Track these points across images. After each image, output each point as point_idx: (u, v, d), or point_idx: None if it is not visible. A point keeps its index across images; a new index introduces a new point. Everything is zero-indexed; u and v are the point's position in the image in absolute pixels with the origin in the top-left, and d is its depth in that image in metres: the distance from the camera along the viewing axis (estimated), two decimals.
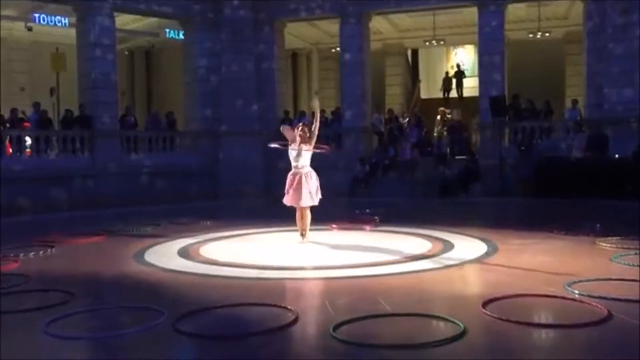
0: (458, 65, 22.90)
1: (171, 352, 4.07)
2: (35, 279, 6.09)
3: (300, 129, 7.88)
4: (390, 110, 19.08)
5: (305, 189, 7.71)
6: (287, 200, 7.89)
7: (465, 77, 21.97)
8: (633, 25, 14.51)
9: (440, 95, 22.67)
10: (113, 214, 12.44)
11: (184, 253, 7.54)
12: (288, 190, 7.83)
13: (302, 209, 7.86)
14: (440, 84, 22.92)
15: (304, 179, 7.74)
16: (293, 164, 7.87)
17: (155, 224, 10.24)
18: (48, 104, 16.82)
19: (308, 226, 7.97)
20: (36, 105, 15.69)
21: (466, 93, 21.58)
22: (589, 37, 15.76)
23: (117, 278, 6.31)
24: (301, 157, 7.79)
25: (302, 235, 8.02)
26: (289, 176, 7.88)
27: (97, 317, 4.83)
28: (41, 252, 7.60)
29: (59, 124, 16.10)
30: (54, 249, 7.83)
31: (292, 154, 7.86)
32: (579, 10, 16.67)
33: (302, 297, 5.50)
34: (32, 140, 14.69)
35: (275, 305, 4.79)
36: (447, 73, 23.00)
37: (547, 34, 19.44)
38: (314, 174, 7.86)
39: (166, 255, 7.38)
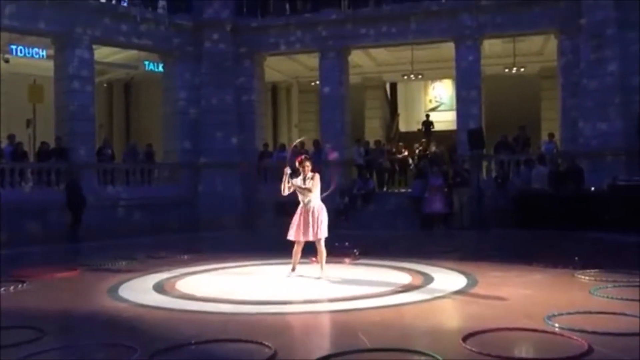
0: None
1: None
2: (4, 316, 5.89)
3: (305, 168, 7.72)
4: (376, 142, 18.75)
5: (317, 222, 7.61)
6: (292, 235, 7.68)
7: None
8: (606, 60, 14.82)
9: (418, 128, 22.73)
10: (89, 247, 12.22)
11: (159, 288, 7.38)
12: (297, 225, 7.65)
13: (318, 242, 7.70)
14: (418, 118, 22.92)
15: (315, 213, 7.64)
16: (301, 199, 7.73)
17: (132, 258, 10.04)
18: (24, 136, 16.59)
19: (324, 259, 7.77)
20: (11, 137, 15.36)
21: (444, 127, 21.76)
22: (563, 72, 16.10)
23: (89, 314, 6.14)
24: (309, 194, 7.69)
25: (293, 269, 7.89)
26: (300, 210, 7.70)
27: (67, 355, 4.68)
28: (12, 288, 7.38)
29: (34, 156, 15.88)
30: (25, 284, 7.61)
31: (299, 192, 7.73)
32: (554, 46, 17.05)
33: (279, 333, 5.38)
34: (6, 173, 14.42)
35: (252, 342, 4.68)
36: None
37: (522, 69, 19.82)
38: (323, 209, 7.75)
39: (141, 290, 7.23)
